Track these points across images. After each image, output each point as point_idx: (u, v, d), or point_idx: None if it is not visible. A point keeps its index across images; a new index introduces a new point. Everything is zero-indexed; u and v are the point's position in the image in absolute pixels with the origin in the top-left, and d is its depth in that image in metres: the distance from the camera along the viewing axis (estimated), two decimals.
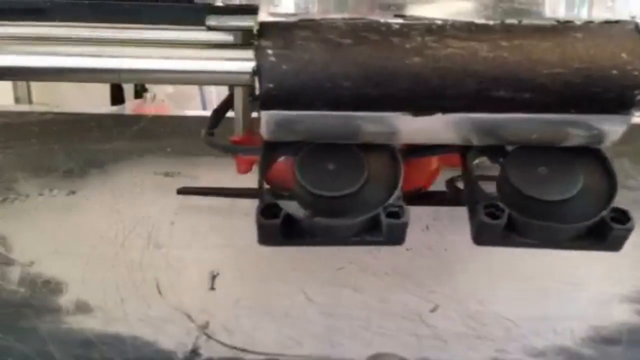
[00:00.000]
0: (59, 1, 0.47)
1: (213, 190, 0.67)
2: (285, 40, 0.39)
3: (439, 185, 0.70)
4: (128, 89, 1.51)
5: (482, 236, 0.42)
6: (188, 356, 0.44)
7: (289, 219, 0.40)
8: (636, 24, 0.38)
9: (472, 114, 0.39)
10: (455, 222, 0.64)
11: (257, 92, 0.39)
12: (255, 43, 0.39)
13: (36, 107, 1.02)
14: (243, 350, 0.45)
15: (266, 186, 0.43)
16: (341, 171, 0.42)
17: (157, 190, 0.69)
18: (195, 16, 0.45)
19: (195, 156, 0.78)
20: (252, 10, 0.42)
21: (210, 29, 0.44)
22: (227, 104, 0.58)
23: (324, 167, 0.42)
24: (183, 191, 0.67)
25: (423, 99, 0.39)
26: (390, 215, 0.40)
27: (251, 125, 0.56)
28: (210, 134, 0.54)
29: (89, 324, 0.47)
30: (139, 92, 1.31)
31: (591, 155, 0.43)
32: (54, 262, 0.55)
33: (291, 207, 0.41)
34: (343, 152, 0.42)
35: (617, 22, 0.39)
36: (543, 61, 0.38)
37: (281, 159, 0.46)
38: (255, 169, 0.57)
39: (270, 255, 0.58)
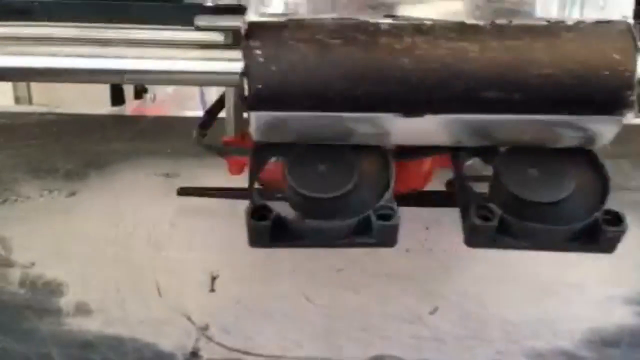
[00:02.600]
0: (45, 0, 0.47)
1: (213, 191, 0.67)
2: (273, 41, 0.38)
3: (438, 185, 0.70)
4: (128, 90, 1.51)
5: (474, 238, 0.42)
6: (188, 358, 0.45)
7: (279, 220, 0.40)
8: (628, 24, 0.38)
9: (463, 114, 0.39)
10: (455, 223, 0.64)
11: (245, 92, 0.38)
12: (243, 44, 0.38)
13: (36, 108, 1.02)
14: (243, 352, 0.45)
15: (258, 187, 0.43)
16: (332, 173, 0.41)
17: (157, 191, 0.69)
18: (184, 16, 0.45)
19: (195, 157, 0.78)
20: (241, 10, 0.41)
21: (199, 29, 0.44)
22: (220, 104, 0.58)
23: (315, 168, 0.41)
24: (183, 192, 0.67)
25: (413, 100, 0.38)
26: (381, 217, 0.40)
27: (243, 127, 0.55)
28: (202, 135, 0.53)
29: (89, 325, 0.47)
30: (139, 93, 1.31)
31: (584, 156, 0.42)
32: (54, 264, 0.55)
33: (281, 208, 0.41)
34: (334, 154, 0.42)
35: (608, 22, 0.38)
36: (534, 62, 0.37)
37: (272, 160, 0.45)
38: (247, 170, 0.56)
39: (270, 257, 0.58)
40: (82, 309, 0.49)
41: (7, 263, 0.55)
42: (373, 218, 0.40)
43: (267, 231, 0.40)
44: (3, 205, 0.65)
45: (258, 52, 0.38)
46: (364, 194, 0.41)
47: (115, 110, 1.06)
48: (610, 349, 0.46)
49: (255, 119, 0.39)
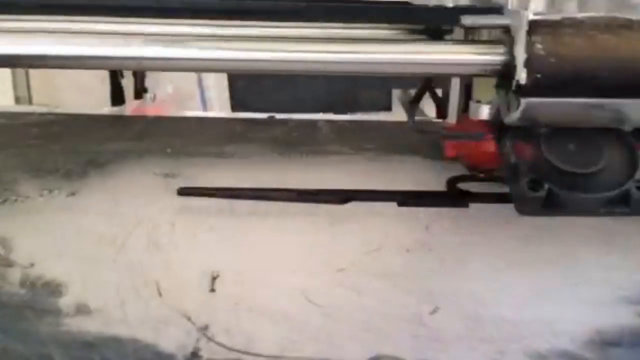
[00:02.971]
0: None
1: (213, 191, 0.67)
2: (552, 36, 0.46)
3: (439, 186, 0.70)
4: (128, 90, 1.51)
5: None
6: (188, 358, 0.44)
7: (551, 192, 0.49)
8: None
9: None
10: (456, 222, 0.64)
11: (522, 81, 0.47)
12: (527, 38, 0.46)
13: (36, 108, 1.02)
14: (243, 352, 0.45)
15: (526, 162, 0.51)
16: (582, 152, 0.50)
17: (158, 191, 0.69)
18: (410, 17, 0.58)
19: (195, 157, 0.78)
20: (495, 10, 0.52)
21: (466, 27, 0.53)
22: (420, 96, 0.68)
23: (567, 148, 0.50)
24: (183, 192, 0.67)
25: None
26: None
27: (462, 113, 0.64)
28: (413, 122, 0.64)
29: (89, 325, 0.47)
30: (139, 93, 1.31)
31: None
32: (54, 264, 0.55)
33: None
34: (581, 136, 0.50)
35: None
36: None
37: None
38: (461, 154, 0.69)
39: (271, 256, 0.58)
40: (82, 309, 0.49)
41: (7, 263, 0.55)
42: (633, 189, 0.49)
43: (541, 201, 0.49)
44: (3, 205, 0.65)
45: (539, 45, 0.46)
46: (615, 170, 0.50)
47: (115, 110, 1.06)
48: (611, 349, 0.45)
49: (525, 105, 0.48)
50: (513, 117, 0.49)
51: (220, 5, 0.55)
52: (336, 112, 1.00)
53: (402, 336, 0.47)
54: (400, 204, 0.66)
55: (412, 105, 0.68)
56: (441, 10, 0.58)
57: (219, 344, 0.46)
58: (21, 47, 0.51)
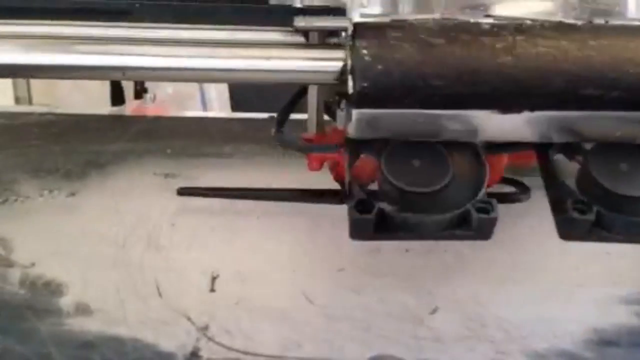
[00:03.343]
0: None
1: (213, 191, 0.67)
2: (379, 41, 0.40)
3: None
4: (128, 90, 1.51)
5: (570, 231, 0.44)
6: (188, 358, 0.45)
7: (382, 214, 0.41)
8: None
9: (560, 112, 0.41)
10: None
11: (350, 90, 0.40)
12: (349, 43, 0.41)
13: (36, 108, 1.02)
14: (243, 352, 0.45)
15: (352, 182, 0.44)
16: (427, 168, 0.43)
17: (157, 191, 0.69)
18: (268, 18, 0.48)
19: (195, 157, 0.78)
20: (337, 11, 0.45)
21: (298, 29, 0.46)
22: (293, 103, 0.59)
23: (410, 164, 0.43)
24: (183, 192, 0.67)
25: (513, 98, 0.40)
26: (480, 210, 0.42)
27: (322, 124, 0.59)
28: (280, 132, 0.55)
29: (90, 325, 0.47)
30: (139, 93, 1.31)
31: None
32: (54, 264, 0.55)
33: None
34: (427, 150, 0.44)
35: None
36: (631, 60, 0.39)
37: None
38: (325, 167, 0.61)
39: (271, 256, 0.58)
40: (82, 309, 0.49)
41: (7, 263, 0.55)
42: (472, 211, 0.41)
43: (371, 224, 0.41)
44: (3, 205, 0.65)
45: (364, 51, 0.40)
46: (460, 188, 0.43)
47: (115, 110, 1.05)
48: (610, 349, 0.46)
49: (357, 116, 0.42)
50: (350, 129, 0.43)
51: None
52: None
53: (402, 336, 0.47)
54: None
55: (280, 113, 0.58)
56: (266, 10, 0.51)
57: (218, 343, 0.46)
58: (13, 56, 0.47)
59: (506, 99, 0.40)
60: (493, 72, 0.39)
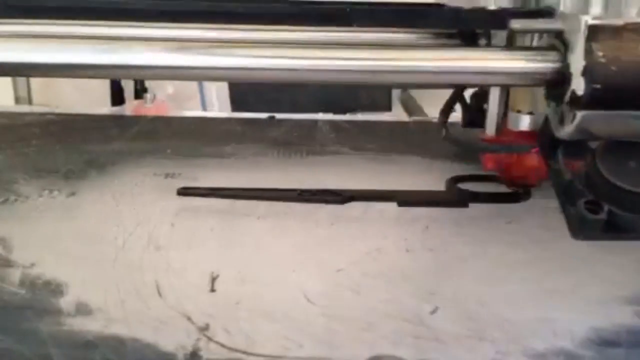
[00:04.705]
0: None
1: (213, 191, 0.67)
2: (614, 42, 0.41)
3: (439, 185, 0.70)
4: (128, 90, 1.51)
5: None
6: (188, 358, 0.44)
7: (611, 214, 0.43)
8: None
9: None
10: (455, 222, 0.64)
11: (579, 92, 0.42)
12: (585, 45, 0.42)
13: (36, 108, 1.02)
14: (243, 352, 0.45)
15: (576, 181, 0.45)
16: None
17: (157, 192, 0.69)
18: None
19: (195, 157, 0.78)
20: (547, 13, 0.48)
21: (515, 31, 0.49)
22: (451, 106, 0.64)
23: (625, 163, 0.44)
24: (183, 192, 0.67)
25: None
26: None
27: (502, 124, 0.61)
28: (450, 133, 0.59)
29: (90, 325, 0.47)
30: (139, 93, 1.31)
31: None
32: (54, 264, 0.55)
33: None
34: (639, 149, 0.45)
35: None
36: None
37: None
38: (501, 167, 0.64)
39: (271, 256, 0.58)
40: (82, 309, 0.49)
41: (7, 263, 0.55)
42: None
43: (601, 224, 0.43)
44: (3, 206, 0.65)
45: (599, 53, 0.41)
46: None
47: (115, 110, 1.06)
48: (610, 349, 0.46)
49: (582, 117, 0.43)
50: (566, 130, 0.45)
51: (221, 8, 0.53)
52: (336, 112, 1.00)
53: (402, 336, 0.47)
54: (400, 204, 0.66)
55: (442, 115, 0.63)
56: (484, 13, 0.54)
57: (218, 344, 0.46)
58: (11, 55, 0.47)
59: None
60: None
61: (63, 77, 0.50)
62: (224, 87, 1.78)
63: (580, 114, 0.43)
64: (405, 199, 0.67)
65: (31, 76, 1.28)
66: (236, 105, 1.80)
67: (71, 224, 0.62)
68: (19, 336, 0.46)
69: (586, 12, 0.45)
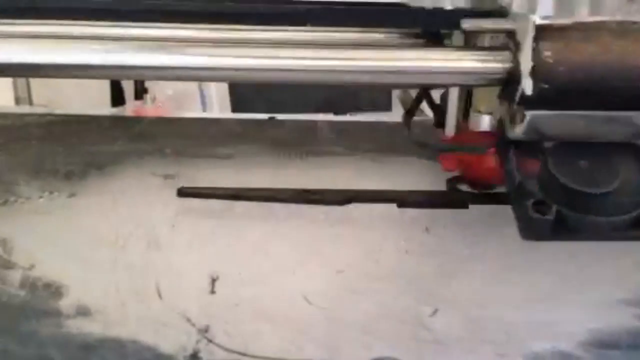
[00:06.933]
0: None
1: (213, 192, 0.67)
2: (562, 43, 0.41)
3: (438, 185, 0.70)
4: (128, 91, 1.51)
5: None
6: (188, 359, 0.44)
7: (560, 215, 0.43)
8: None
9: None
10: (455, 223, 0.64)
11: (528, 92, 0.41)
12: (533, 45, 0.41)
13: (36, 109, 1.02)
14: (243, 354, 0.45)
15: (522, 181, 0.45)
16: (594, 169, 0.44)
17: (157, 192, 0.69)
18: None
19: (195, 157, 0.78)
20: (499, 13, 0.48)
21: (465, 31, 0.48)
22: (416, 106, 0.63)
23: (576, 164, 0.44)
24: (183, 193, 0.67)
25: None
26: None
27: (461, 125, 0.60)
28: (413, 133, 0.59)
29: (90, 327, 0.47)
30: (139, 94, 1.31)
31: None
32: (54, 265, 0.55)
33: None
34: (591, 150, 0.45)
35: None
36: None
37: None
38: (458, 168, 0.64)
39: (271, 258, 0.58)
40: (82, 311, 0.49)
41: (7, 264, 0.55)
42: None
43: (549, 225, 0.43)
44: (3, 207, 0.65)
45: (547, 53, 0.41)
46: (628, 189, 0.43)
47: (116, 111, 1.06)
48: (610, 351, 0.46)
49: (531, 117, 0.43)
50: (517, 130, 0.44)
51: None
52: (336, 112, 1.00)
53: (402, 338, 0.47)
54: (400, 205, 0.66)
55: (407, 115, 0.62)
56: (440, 12, 0.53)
57: (219, 345, 0.46)
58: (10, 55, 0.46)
59: None
60: None
61: (63, 77, 0.50)
62: (224, 87, 1.78)
63: (529, 114, 0.43)
64: (405, 200, 0.67)
65: (31, 76, 1.29)
66: (236, 105, 1.80)
67: (71, 225, 0.62)
68: (19, 338, 0.46)
69: (535, 12, 0.44)
